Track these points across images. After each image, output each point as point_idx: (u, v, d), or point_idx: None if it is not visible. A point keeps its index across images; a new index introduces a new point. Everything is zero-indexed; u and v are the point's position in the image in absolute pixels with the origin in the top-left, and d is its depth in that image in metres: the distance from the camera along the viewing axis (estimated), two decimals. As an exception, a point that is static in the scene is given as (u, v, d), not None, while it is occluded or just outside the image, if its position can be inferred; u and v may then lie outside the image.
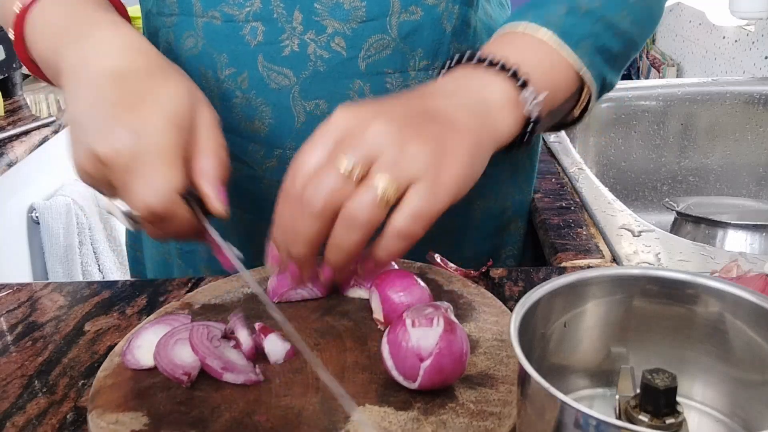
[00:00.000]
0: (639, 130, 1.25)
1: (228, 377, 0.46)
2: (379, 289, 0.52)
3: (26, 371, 0.52)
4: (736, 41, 1.60)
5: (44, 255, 1.78)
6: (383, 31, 0.61)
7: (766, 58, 1.46)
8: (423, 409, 0.43)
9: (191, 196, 0.49)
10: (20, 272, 1.74)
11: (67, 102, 0.52)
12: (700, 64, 1.80)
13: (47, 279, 1.78)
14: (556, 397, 0.31)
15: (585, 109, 0.62)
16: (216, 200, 0.50)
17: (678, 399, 0.34)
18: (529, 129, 0.55)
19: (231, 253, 0.51)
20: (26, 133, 1.65)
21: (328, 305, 0.55)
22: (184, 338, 0.49)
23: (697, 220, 0.97)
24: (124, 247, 2.02)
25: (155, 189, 0.47)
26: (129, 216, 0.50)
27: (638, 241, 0.74)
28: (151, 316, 0.55)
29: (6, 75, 1.81)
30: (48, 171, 1.81)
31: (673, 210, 1.02)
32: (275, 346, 0.49)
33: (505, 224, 0.75)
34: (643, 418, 0.34)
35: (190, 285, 0.63)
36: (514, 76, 0.53)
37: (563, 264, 0.70)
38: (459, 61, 0.56)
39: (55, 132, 1.74)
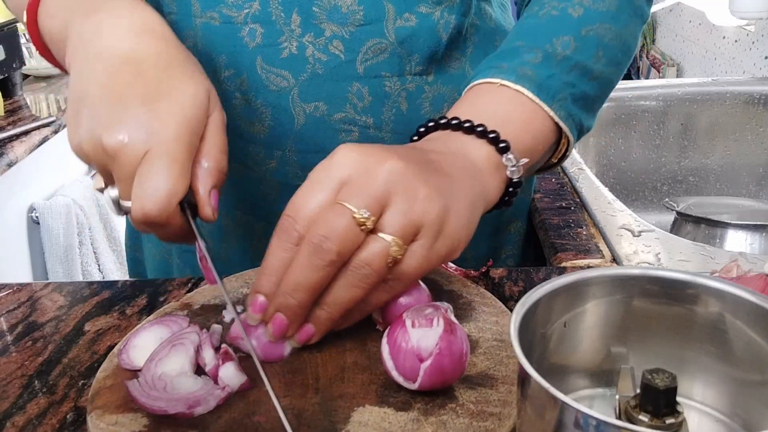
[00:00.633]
0: (639, 130, 1.25)
1: (199, 410, 0.44)
2: None
3: (26, 371, 0.52)
4: (736, 41, 1.60)
5: (44, 255, 1.78)
6: (381, 35, 0.61)
7: (766, 58, 1.46)
8: (423, 409, 0.43)
9: (185, 198, 0.48)
10: (20, 272, 1.74)
11: (73, 76, 0.50)
12: (700, 64, 1.80)
13: (47, 279, 1.78)
14: (556, 397, 0.31)
15: (563, 156, 0.62)
16: (208, 206, 0.49)
17: (678, 399, 0.34)
18: (512, 189, 0.55)
19: (212, 266, 0.49)
20: (26, 133, 1.65)
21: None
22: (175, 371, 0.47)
23: (697, 220, 0.97)
24: (124, 248, 2.02)
25: (156, 196, 0.46)
26: (117, 204, 0.49)
27: (638, 241, 0.74)
28: (150, 317, 0.54)
29: (6, 75, 1.81)
30: (48, 171, 1.81)
31: (673, 210, 1.02)
32: (229, 375, 0.46)
33: (505, 224, 0.75)
34: (643, 418, 0.34)
35: (190, 285, 0.63)
36: (495, 141, 0.53)
37: (563, 264, 0.70)
38: (437, 124, 0.55)
39: (55, 132, 1.74)
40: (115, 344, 0.54)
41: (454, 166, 0.50)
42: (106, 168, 0.48)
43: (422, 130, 0.57)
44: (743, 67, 1.56)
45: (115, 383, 0.47)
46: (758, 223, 0.93)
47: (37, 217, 1.75)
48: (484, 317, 0.52)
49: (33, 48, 1.96)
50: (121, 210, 0.49)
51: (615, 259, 0.70)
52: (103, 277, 1.89)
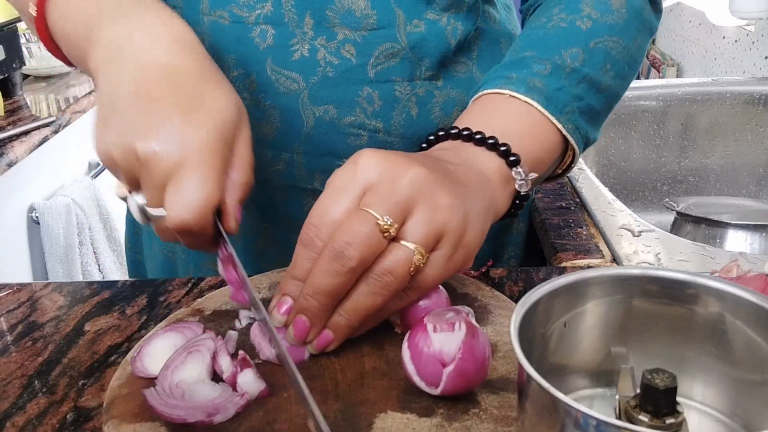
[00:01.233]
0: (639, 130, 1.25)
1: (218, 418, 0.43)
2: None
3: (26, 371, 0.52)
4: (736, 41, 1.60)
5: (44, 255, 1.78)
6: (393, 40, 0.61)
7: (766, 58, 1.46)
8: (446, 415, 0.43)
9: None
10: (20, 272, 1.74)
11: (103, 82, 0.50)
12: (700, 64, 1.79)
13: (47, 279, 1.78)
14: (556, 398, 0.31)
15: (568, 168, 0.62)
16: (233, 218, 0.49)
17: (678, 399, 0.34)
18: (518, 202, 0.55)
19: (244, 274, 0.49)
20: (26, 133, 1.65)
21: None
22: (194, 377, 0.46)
23: (697, 220, 0.97)
24: (123, 247, 2.02)
25: (194, 204, 0.45)
26: (143, 211, 0.49)
27: (638, 241, 0.74)
28: (162, 323, 0.54)
29: (6, 75, 1.81)
30: (48, 171, 1.81)
31: (673, 210, 1.02)
32: (248, 382, 0.45)
33: (508, 226, 0.75)
34: (643, 418, 0.34)
35: (190, 285, 0.63)
36: (506, 153, 0.53)
37: (563, 264, 0.70)
38: (447, 133, 0.56)
39: (55, 132, 1.74)
40: (116, 344, 0.54)
41: (468, 176, 0.51)
42: (135, 175, 0.48)
43: (432, 138, 0.58)
44: (743, 67, 1.56)
45: (130, 392, 0.46)
46: (758, 223, 0.93)
47: (37, 217, 1.74)
48: (500, 320, 0.52)
49: (33, 48, 1.96)
50: (146, 218, 0.49)
51: (615, 259, 0.70)
52: (103, 277, 1.89)
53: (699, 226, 0.96)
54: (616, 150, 1.25)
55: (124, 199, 0.50)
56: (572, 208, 0.83)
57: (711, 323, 0.39)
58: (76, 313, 0.59)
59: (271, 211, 0.67)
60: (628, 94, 1.24)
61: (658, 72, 1.95)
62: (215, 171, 0.47)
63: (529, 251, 0.80)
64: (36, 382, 0.51)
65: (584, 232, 0.76)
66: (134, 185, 0.49)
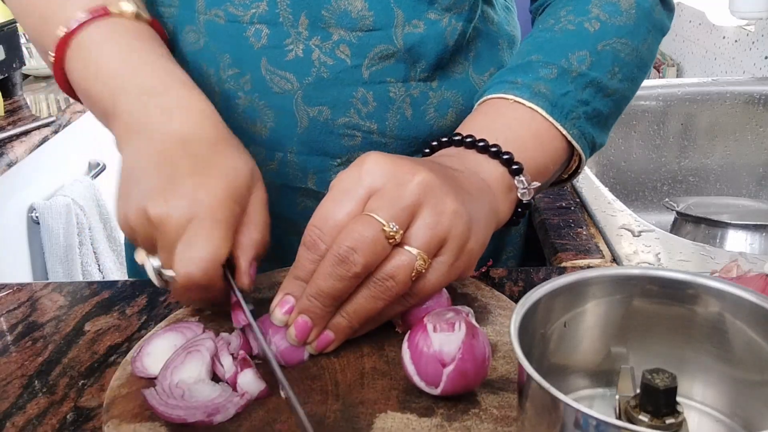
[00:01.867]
0: (639, 130, 1.25)
1: (218, 418, 0.43)
2: None
3: (26, 371, 0.52)
4: (736, 41, 1.60)
5: (44, 255, 1.78)
6: (389, 41, 0.61)
7: (766, 58, 1.46)
8: (446, 415, 0.43)
9: (227, 263, 0.48)
10: (20, 272, 1.74)
11: (125, 154, 0.51)
12: (700, 64, 1.80)
13: (47, 279, 1.78)
14: (556, 398, 0.31)
15: (574, 173, 0.62)
16: (246, 276, 0.49)
17: (678, 399, 0.34)
18: (520, 210, 0.55)
19: (256, 327, 0.48)
20: (26, 133, 1.65)
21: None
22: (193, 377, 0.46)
23: (697, 220, 0.97)
24: (123, 247, 2.02)
25: (201, 259, 0.46)
26: (159, 274, 0.49)
27: (638, 241, 0.74)
28: (162, 323, 0.54)
29: (6, 75, 1.81)
30: (48, 171, 1.80)
31: (673, 210, 1.02)
32: (248, 382, 0.45)
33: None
34: (643, 418, 0.34)
35: (190, 285, 0.63)
36: (509, 162, 0.53)
37: (563, 264, 0.70)
38: (450, 140, 0.56)
39: (55, 132, 1.74)
40: (116, 344, 0.54)
41: (471, 183, 0.51)
42: (150, 239, 0.48)
43: (435, 145, 0.57)
44: (743, 67, 1.56)
45: (130, 392, 0.46)
46: (758, 223, 0.93)
47: (37, 217, 1.74)
48: (500, 320, 0.52)
49: (33, 48, 1.96)
50: (162, 280, 0.49)
51: (615, 259, 0.70)
52: (103, 277, 1.89)
53: (699, 226, 0.96)
54: (616, 150, 1.25)
55: (143, 265, 0.51)
56: (572, 208, 0.83)
57: (711, 323, 0.39)
58: (76, 313, 0.59)
59: None
60: (628, 94, 1.24)
61: (658, 72, 1.95)
62: (224, 226, 0.47)
63: (529, 251, 0.81)
64: (36, 382, 0.51)
65: (584, 232, 0.76)
66: (151, 249, 0.49)
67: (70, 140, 1.85)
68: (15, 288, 0.64)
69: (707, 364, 0.40)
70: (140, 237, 0.49)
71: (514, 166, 0.53)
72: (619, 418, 0.35)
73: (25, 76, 2.04)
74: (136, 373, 0.48)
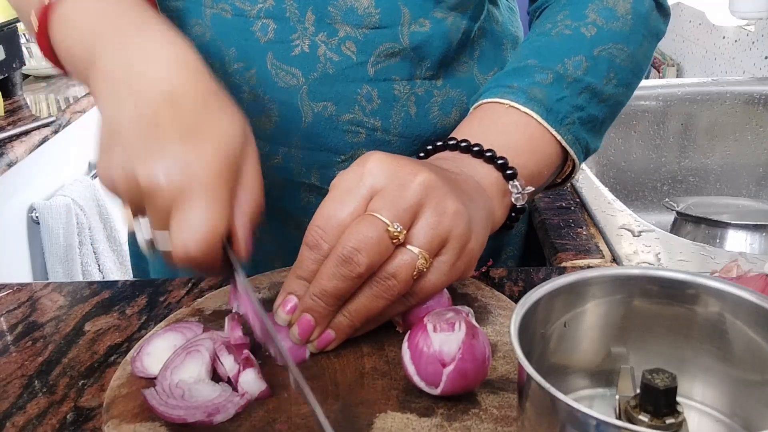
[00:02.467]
0: (639, 130, 1.25)
1: (219, 418, 0.43)
2: None
3: (26, 371, 0.52)
4: (736, 41, 1.60)
5: (44, 255, 1.78)
6: (395, 39, 0.61)
7: (766, 58, 1.46)
8: (446, 415, 0.43)
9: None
10: (20, 272, 1.74)
11: (104, 108, 0.49)
12: (700, 64, 1.79)
13: (47, 279, 1.78)
14: (556, 398, 0.31)
15: (568, 177, 0.62)
16: (243, 245, 0.47)
17: (678, 399, 0.34)
18: (514, 215, 0.56)
19: (254, 298, 0.47)
20: (26, 133, 1.65)
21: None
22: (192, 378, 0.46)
23: (697, 220, 0.97)
24: (124, 247, 2.02)
25: (199, 236, 0.44)
26: (150, 245, 0.47)
27: (638, 241, 0.74)
28: (161, 323, 0.54)
29: (6, 75, 1.81)
30: (48, 171, 1.80)
31: (673, 210, 1.02)
32: (249, 382, 0.45)
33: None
34: (643, 418, 0.34)
35: (190, 285, 0.63)
36: (503, 167, 0.54)
37: (563, 264, 0.70)
38: (445, 144, 0.56)
39: (55, 132, 1.74)
40: (116, 344, 0.54)
41: (468, 185, 0.51)
42: (138, 203, 0.47)
43: (430, 148, 0.58)
44: (743, 67, 1.56)
45: (129, 392, 0.46)
46: (758, 223, 0.93)
47: (37, 217, 1.74)
48: (500, 320, 0.52)
49: (33, 48, 1.96)
50: (153, 247, 0.48)
51: (615, 259, 0.70)
52: (103, 277, 1.89)
53: (699, 226, 0.96)
54: (616, 150, 1.25)
55: (131, 228, 0.49)
56: (572, 208, 0.83)
57: (711, 323, 0.39)
58: (76, 313, 0.59)
59: (268, 204, 0.67)
60: (628, 94, 1.24)
61: (658, 72, 1.95)
62: (220, 199, 0.45)
63: (529, 251, 0.81)
64: (36, 382, 0.51)
65: (584, 232, 0.76)
66: (138, 210, 0.48)
67: (70, 140, 1.85)
68: (15, 288, 0.64)
69: (707, 364, 0.40)
70: (127, 198, 0.47)
71: (508, 171, 0.54)
72: (619, 418, 0.35)
73: (25, 76, 2.04)
74: (136, 373, 0.48)
